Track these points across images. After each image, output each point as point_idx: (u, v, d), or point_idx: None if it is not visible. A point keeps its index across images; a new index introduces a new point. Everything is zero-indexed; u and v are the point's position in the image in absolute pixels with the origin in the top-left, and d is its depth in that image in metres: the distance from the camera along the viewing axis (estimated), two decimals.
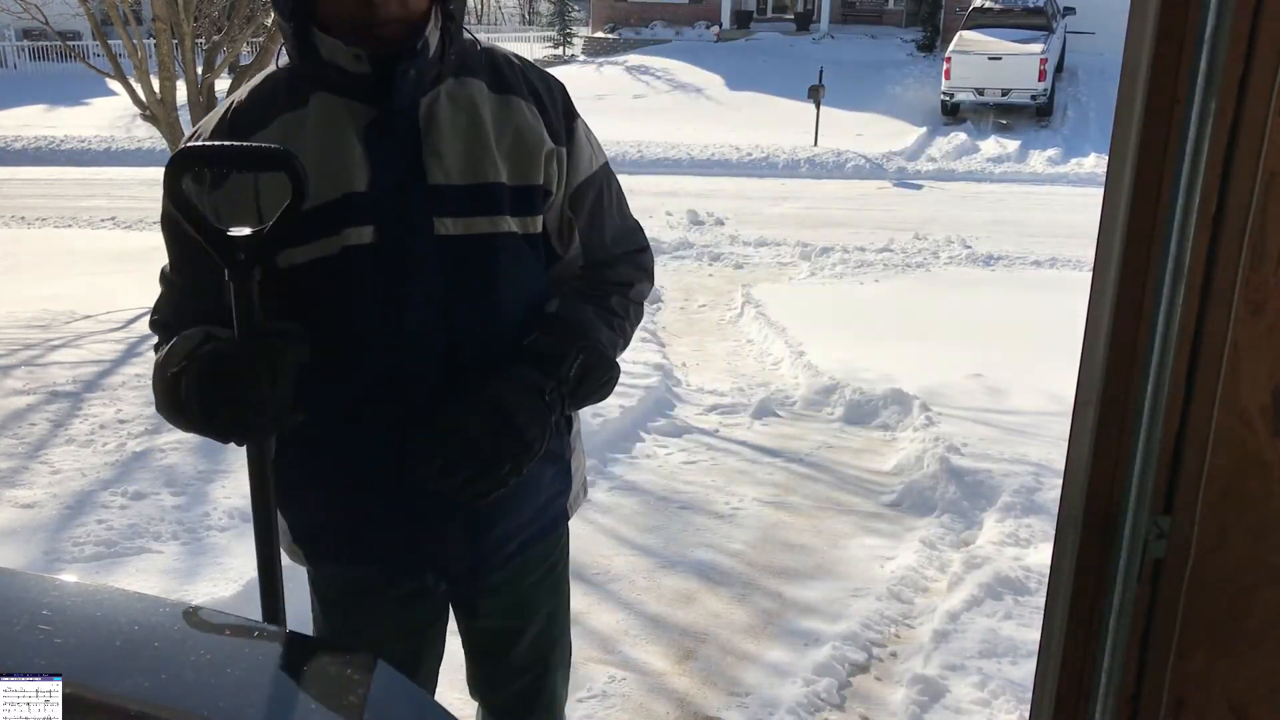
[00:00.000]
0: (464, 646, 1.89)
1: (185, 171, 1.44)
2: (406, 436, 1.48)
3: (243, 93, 1.55)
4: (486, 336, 1.54)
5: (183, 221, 1.43)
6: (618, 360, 1.63)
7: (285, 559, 1.63)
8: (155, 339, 1.66)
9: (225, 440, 1.43)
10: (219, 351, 1.40)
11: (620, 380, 1.65)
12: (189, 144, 1.50)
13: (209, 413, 1.40)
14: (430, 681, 1.85)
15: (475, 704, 2.04)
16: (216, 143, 1.49)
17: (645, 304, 1.74)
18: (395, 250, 1.48)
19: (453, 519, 1.60)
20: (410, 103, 1.47)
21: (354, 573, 1.71)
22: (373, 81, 1.44)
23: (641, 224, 1.78)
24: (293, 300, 1.49)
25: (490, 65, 1.56)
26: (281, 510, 1.60)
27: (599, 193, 1.65)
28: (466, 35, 1.52)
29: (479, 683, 1.92)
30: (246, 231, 1.40)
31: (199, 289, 1.56)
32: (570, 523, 1.83)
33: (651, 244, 1.80)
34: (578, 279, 1.66)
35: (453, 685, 2.98)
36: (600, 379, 1.57)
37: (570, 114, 1.61)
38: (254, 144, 1.45)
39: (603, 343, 1.59)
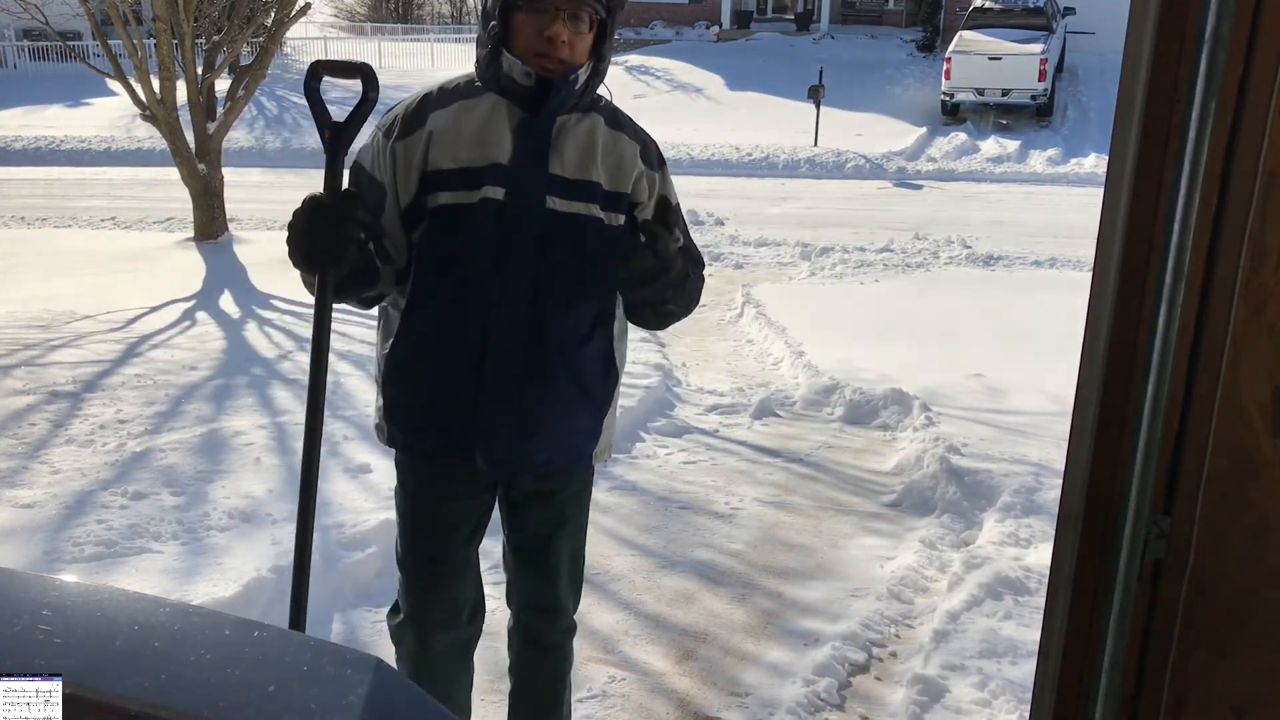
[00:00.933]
0: (508, 557, 2.37)
1: (317, 75, 2.03)
2: (492, 350, 2.07)
3: (435, 87, 2.15)
4: (563, 287, 2.09)
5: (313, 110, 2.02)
6: (690, 281, 2.15)
7: None
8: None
9: (305, 268, 1.98)
10: (306, 202, 1.94)
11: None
12: (322, 61, 2.09)
13: (292, 243, 1.94)
14: (467, 558, 2.31)
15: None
16: (331, 60, 2.07)
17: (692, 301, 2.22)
18: (516, 209, 2.05)
19: (505, 418, 2.11)
20: (551, 117, 2.05)
21: (421, 443, 2.21)
22: (533, 93, 2.02)
23: None
24: (431, 231, 2.07)
25: (611, 112, 2.17)
26: (384, 388, 2.21)
27: (680, 216, 2.09)
28: (604, 91, 2.16)
29: (517, 588, 2.38)
30: (339, 120, 1.98)
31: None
32: None
33: None
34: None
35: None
36: (685, 282, 2.11)
37: (662, 160, 2.23)
38: (345, 61, 2.03)
39: (683, 268, 2.07)
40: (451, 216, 2.05)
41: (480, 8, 2.06)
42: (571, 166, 2.06)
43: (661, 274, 1.97)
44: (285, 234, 1.96)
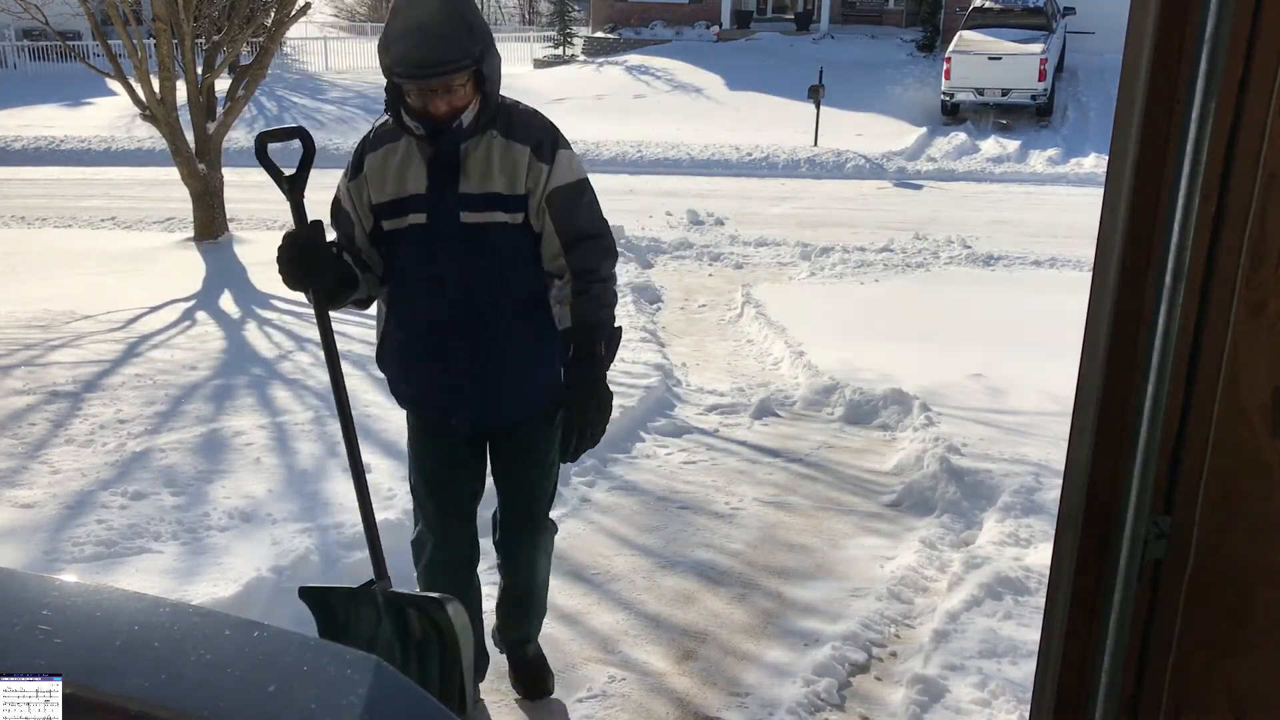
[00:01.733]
0: (495, 477, 2.89)
1: (263, 145, 2.49)
2: (445, 336, 2.62)
3: (370, 131, 2.67)
4: (487, 280, 2.58)
5: (273, 178, 2.49)
6: (616, 320, 2.66)
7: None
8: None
9: (295, 287, 2.51)
10: (284, 238, 2.49)
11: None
12: (266, 132, 2.55)
13: (282, 272, 2.50)
14: (465, 497, 2.86)
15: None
16: (271, 129, 2.55)
17: (618, 275, 2.69)
18: (437, 228, 2.56)
19: (467, 390, 2.67)
20: (453, 147, 2.51)
21: (415, 411, 2.84)
22: (429, 139, 2.51)
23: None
24: (386, 249, 2.64)
25: (506, 121, 2.56)
26: (383, 370, 2.83)
27: (573, 194, 2.59)
28: (502, 100, 2.56)
29: (502, 494, 2.90)
30: (289, 173, 2.48)
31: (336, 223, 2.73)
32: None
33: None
34: (568, 284, 2.59)
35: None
36: (616, 344, 2.66)
37: (555, 145, 2.58)
38: (283, 127, 2.56)
39: (605, 322, 2.60)
40: (393, 238, 2.61)
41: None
42: (476, 183, 2.53)
43: (611, 343, 2.64)
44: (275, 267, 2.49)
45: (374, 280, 2.66)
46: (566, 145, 2.61)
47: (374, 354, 2.83)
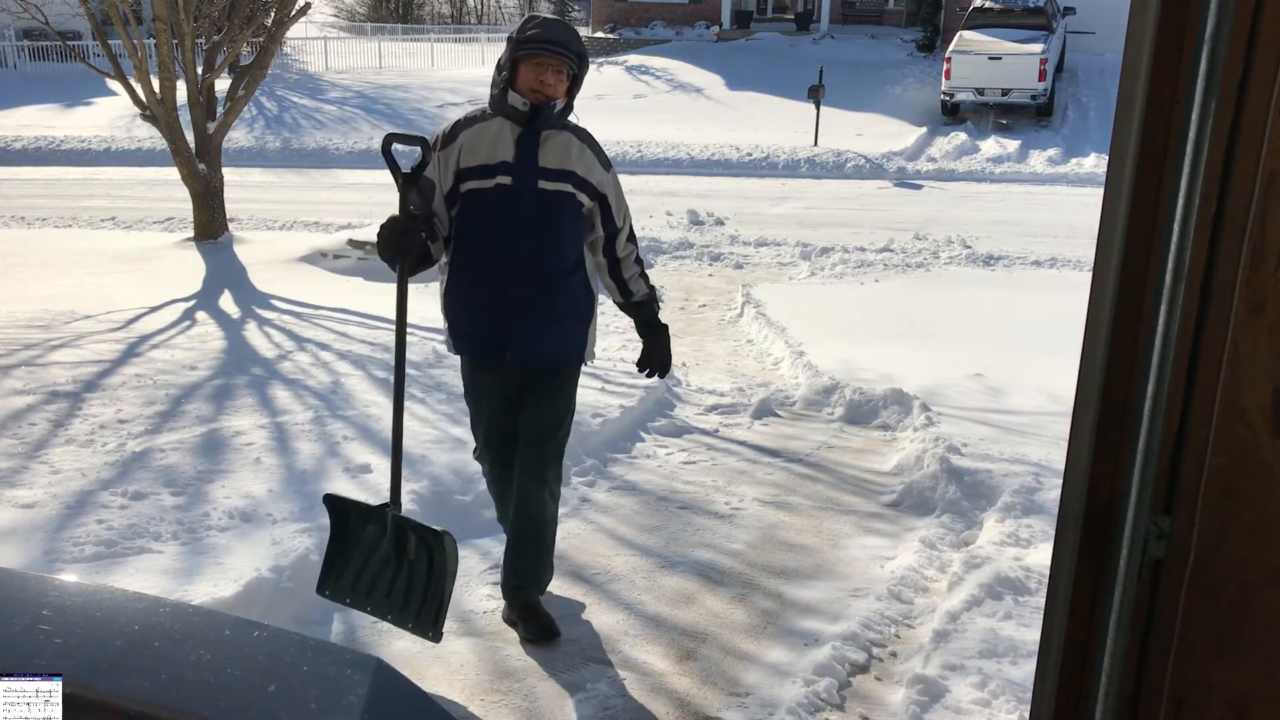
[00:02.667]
0: (524, 413, 3.35)
1: (389, 143, 3.10)
2: (509, 283, 3.18)
3: (464, 115, 3.26)
4: (553, 239, 3.19)
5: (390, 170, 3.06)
6: (654, 288, 3.52)
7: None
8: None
9: (390, 261, 3.04)
10: (387, 221, 3.05)
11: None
12: (394, 134, 3.16)
13: (380, 247, 3.05)
14: (507, 412, 3.38)
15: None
16: (398, 132, 3.17)
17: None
18: (520, 191, 3.15)
19: (522, 330, 3.21)
20: (539, 130, 3.16)
21: (471, 352, 3.35)
22: (526, 116, 3.14)
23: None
24: (467, 210, 3.18)
25: (578, 131, 3.28)
26: (444, 315, 3.34)
27: (616, 197, 3.36)
28: (574, 118, 3.30)
29: (529, 427, 3.34)
30: (406, 170, 3.05)
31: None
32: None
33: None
34: (627, 259, 3.40)
35: (451, 685, 2.98)
36: (658, 302, 3.54)
37: (611, 163, 3.36)
38: (410, 134, 3.09)
39: (650, 292, 3.50)
40: (475, 197, 3.16)
41: (498, 61, 3.17)
42: (554, 161, 3.17)
43: (658, 304, 3.56)
44: (374, 243, 3.14)
45: (440, 248, 3.22)
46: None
47: (440, 305, 3.35)
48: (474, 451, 3.55)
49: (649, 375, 3.51)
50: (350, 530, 3.06)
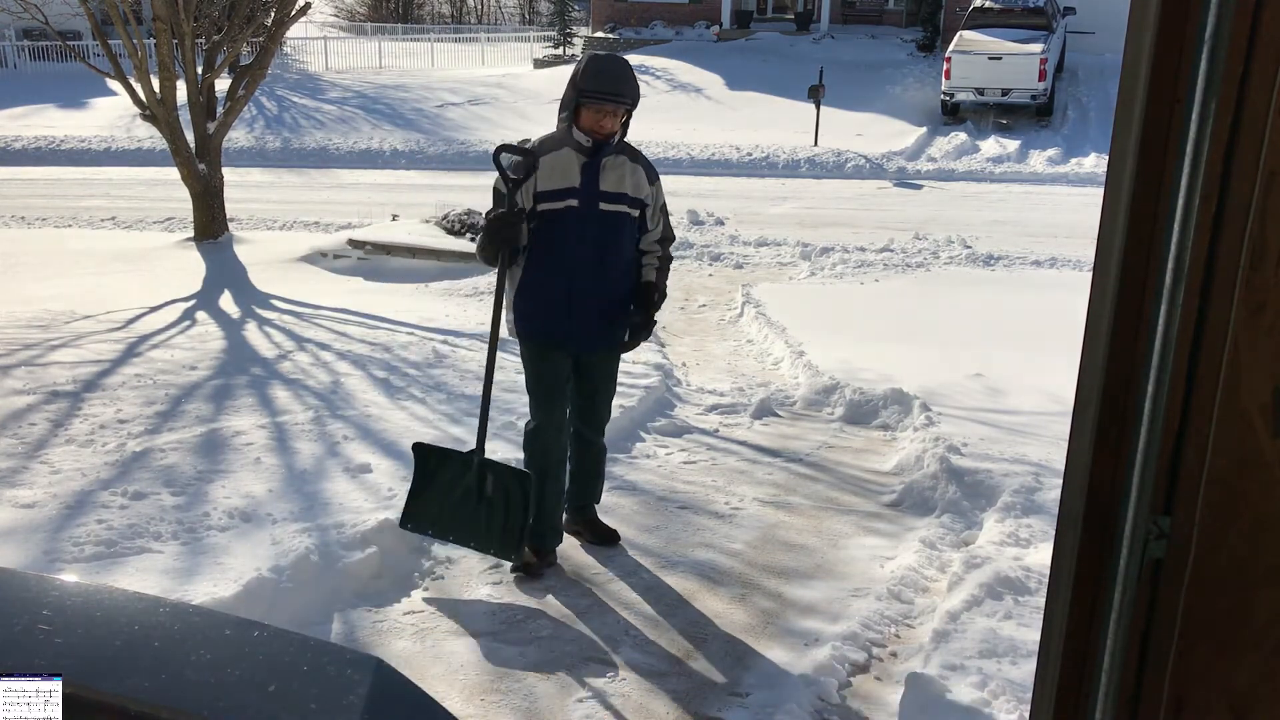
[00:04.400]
0: (577, 390, 4.01)
1: (500, 151, 3.71)
2: (575, 285, 3.77)
3: (538, 140, 3.78)
4: (612, 249, 3.81)
5: (501, 177, 3.71)
6: (666, 284, 4.09)
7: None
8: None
9: (494, 249, 3.72)
10: (496, 217, 3.68)
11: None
12: (505, 144, 3.79)
13: (485, 237, 3.73)
14: (565, 396, 3.98)
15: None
16: (517, 144, 3.78)
17: (670, 246, 4.10)
18: (584, 211, 3.74)
19: (585, 323, 3.82)
20: (600, 158, 3.73)
21: (539, 338, 3.86)
22: (590, 151, 3.71)
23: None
24: (541, 226, 3.74)
25: (631, 152, 3.84)
26: (515, 305, 3.84)
27: (655, 205, 3.93)
28: (628, 140, 3.86)
29: (580, 410, 4.04)
30: (515, 178, 3.68)
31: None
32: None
33: None
34: (650, 254, 3.98)
35: (451, 685, 2.98)
36: (665, 293, 4.10)
37: (657, 176, 3.95)
38: (521, 146, 3.75)
39: (658, 281, 4.03)
40: (550, 216, 3.73)
41: (563, 99, 3.74)
42: (611, 185, 3.76)
43: (657, 306, 4.06)
44: (478, 236, 3.82)
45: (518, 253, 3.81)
46: (659, 176, 3.97)
47: (508, 299, 3.83)
48: (531, 424, 3.95)
49: (630, 348, 4.06)
50: (432, 473, 3.79)
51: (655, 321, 4.05)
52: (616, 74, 3.65)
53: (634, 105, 3.72)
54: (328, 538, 3.83)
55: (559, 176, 3.70)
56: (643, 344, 4.15)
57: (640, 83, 3.86)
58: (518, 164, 3.74)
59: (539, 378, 3.90)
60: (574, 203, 3.71)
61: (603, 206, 3.74)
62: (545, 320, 3.84)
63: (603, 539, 4.17)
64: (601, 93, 3.62)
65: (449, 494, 3.72)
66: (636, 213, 3.84)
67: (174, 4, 10.03)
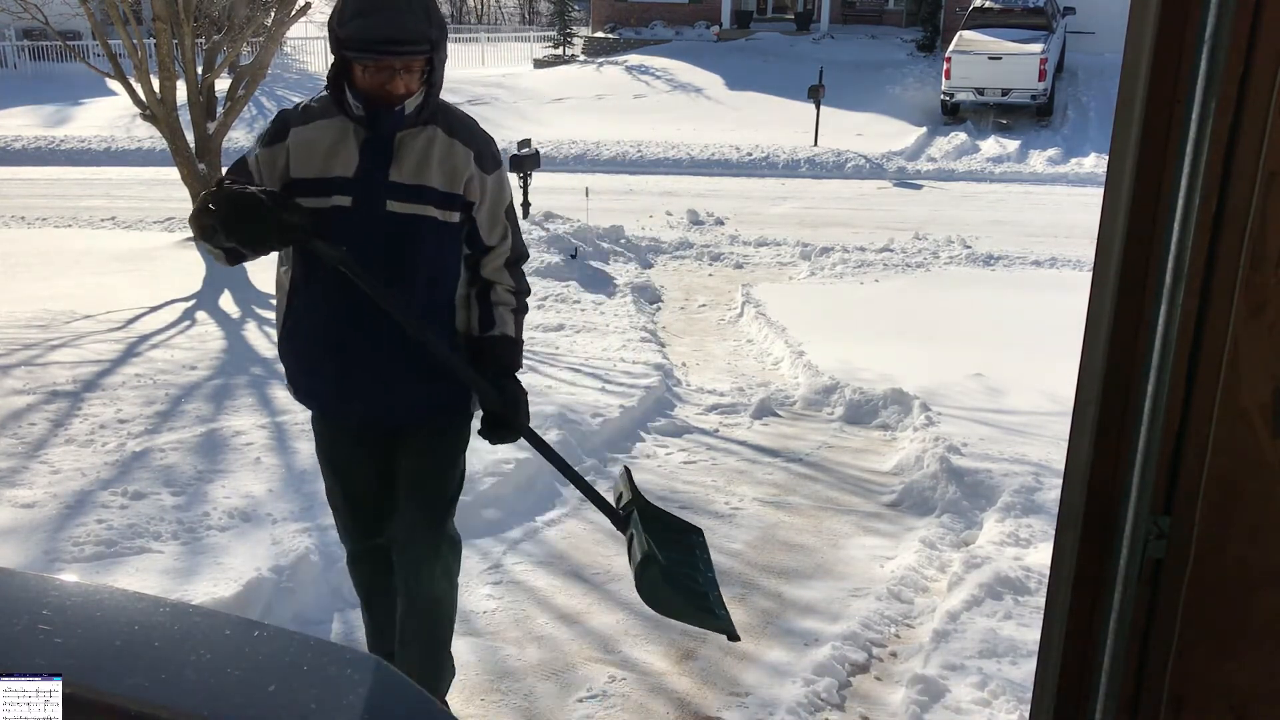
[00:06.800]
0: (397, 487, 2.66)
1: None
2: (354, 327, 2.46)
3: (304, 103, 2.52)
4: (408, 273, 2.46)
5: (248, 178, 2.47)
6: (521, 336, 2.66)
7: None
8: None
9: (212, 236, 2.37)
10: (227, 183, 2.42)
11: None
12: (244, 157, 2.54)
13: (206, 214, 2.37)
14: (373, 492, 2.71)
15: None
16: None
17: (525, 275, 2.69)
18: (362, 214, 2.44)
19: (369, 384, 2.53)
20: (389, 133, 2.42)
21: (312, 403, 2.70)
22: (368, 121, 2.41)
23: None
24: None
25: (449, 121, 2.50)
26: (281, 353, 2.66)
27: (510, 215, 2.61)
28: (442, 99, 2.49)
29: (400, 510, 2.66)
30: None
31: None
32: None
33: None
34: (497, 286, 2.59)
35: (451, 685, 2.96)
36: (520, 360, 2.65)
37: (499, 160, 2.57)
38: (281, 121, 2.49)
39: (515, 335, 2.61)
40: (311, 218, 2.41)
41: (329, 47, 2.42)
42: (409, 174, 2.43)
43: (516, 367, 2.62)
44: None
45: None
46: (502, 160, 2.62)
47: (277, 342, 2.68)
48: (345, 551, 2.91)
49: (493, 441, 2.60)
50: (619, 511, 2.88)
51: (523, 403, 2.56)
52: (389, 9, 2.28)
53: (430, 50, 2.35)
54: (328, 538, 3.83)
55: (323, 158, 2.41)
56: (524, 417, 2.57)
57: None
58: (265, 132, 2.51)
59: (327, 475, 2.75)
60: (344, 200, 2.41)
61: (392, 206, 2.41)
62: (310, 380, 2.62)
63: None
64: (369, 43, 2.29)
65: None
66: (454, 217, 2.47)
67: (174, 4, 10.03)
